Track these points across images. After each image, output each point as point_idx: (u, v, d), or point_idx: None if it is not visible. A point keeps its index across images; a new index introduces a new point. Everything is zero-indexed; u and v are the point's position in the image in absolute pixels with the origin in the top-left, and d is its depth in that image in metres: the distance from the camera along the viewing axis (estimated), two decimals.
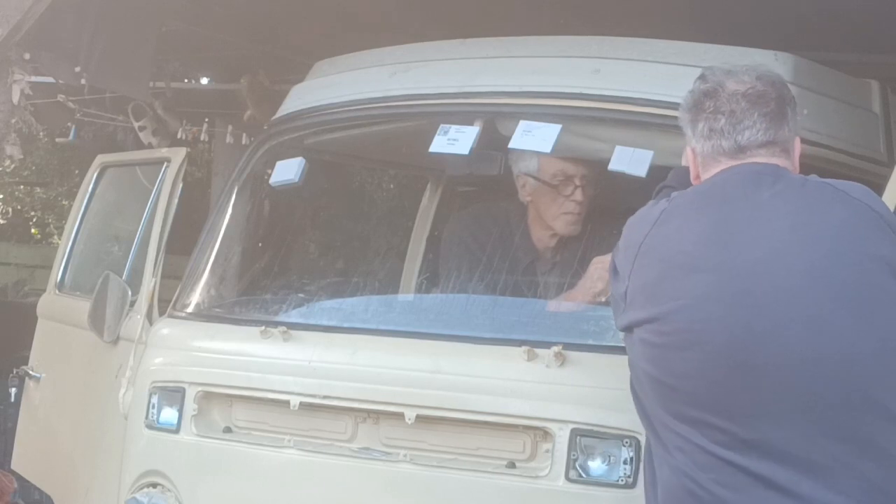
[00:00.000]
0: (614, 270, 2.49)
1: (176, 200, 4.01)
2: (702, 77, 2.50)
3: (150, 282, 3.85)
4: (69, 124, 8.14)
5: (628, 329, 2.41)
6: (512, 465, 3.06)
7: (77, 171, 11.03)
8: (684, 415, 2.27)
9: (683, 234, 2.36)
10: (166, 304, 3.83)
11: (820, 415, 2.18)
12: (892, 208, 2.66)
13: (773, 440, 2.18)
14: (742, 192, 2.35)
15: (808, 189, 2.36)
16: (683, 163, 2.75)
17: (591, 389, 3.01)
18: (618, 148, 3.29)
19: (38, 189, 13.59)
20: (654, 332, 2.32)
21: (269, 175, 3.95)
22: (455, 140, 3.48)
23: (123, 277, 4.04)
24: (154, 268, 3.89)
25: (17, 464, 4.99)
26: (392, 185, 9.58)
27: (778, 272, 2.24)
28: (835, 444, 2.17)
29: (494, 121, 3.53)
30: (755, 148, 2.41)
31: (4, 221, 14.28)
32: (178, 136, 7.47)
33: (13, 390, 6.00)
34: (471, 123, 3.51)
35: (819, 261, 2.25)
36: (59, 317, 4.73)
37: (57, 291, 4.83)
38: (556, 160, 3.60)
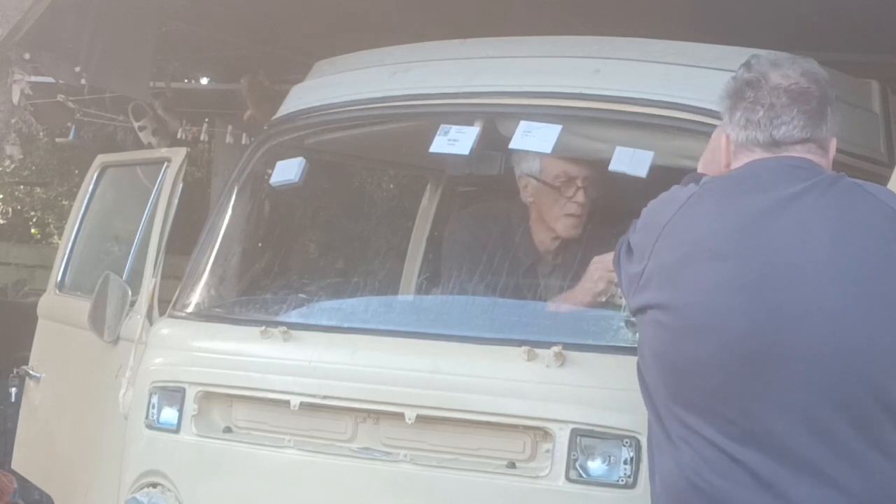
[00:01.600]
0: (629, 250, 2.48)
1: (176, 200, 4.01)
2: (746, 65, 2.49)
3: (150, 282, 3.85)
4: (69, 124, 8.14)
5: (641, 310, 2.39)
6: (512, 465, 3.06)
7: (77, 171, 11.04)
8: (693, 403, 2.27)
9: (711, 219, 2.36)
10: (166, 304, 3.83)
11: (832, 408, 2.18)
12: None
13: (778, 435, 2.18)
14: (774, 183, 2.35)
15: (839, 187, 2.37)
16: (700, 168, 2.74)
17: (591, 389, 3.01)
18: (618, 149, 3.29)
19: (38, 189, 13.60)
20: (670, 314, 2.31)
21: (269, 175, 3.95)
22: (455, 140, 3.48)
23: (123, 277, 4.03)
24: (154, 268, 3.89)
25: (17, 464, 4.98)
26: (392, 185, 9.58)
27: (802, 264, 2.24)
28: (844, 439, 2.18)
29: (495, 121, 3.53)
30: (790, 144, 2.40)
31: (4, 221, 14.28)
32: (178, 136, 7.48)
33: (13, 390, 6.01)
34: (471, 124, 3.51)
35: (844, 256, 2.25)
36: (59, 317, 4.73)
37: (57, 291, 4.83)
38: (559, 161, 3.60)
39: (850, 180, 2.39)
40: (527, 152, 3.55)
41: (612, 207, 3.66)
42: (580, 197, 3.66)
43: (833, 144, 2.48)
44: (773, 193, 2.33)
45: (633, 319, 2.65)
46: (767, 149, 2.41)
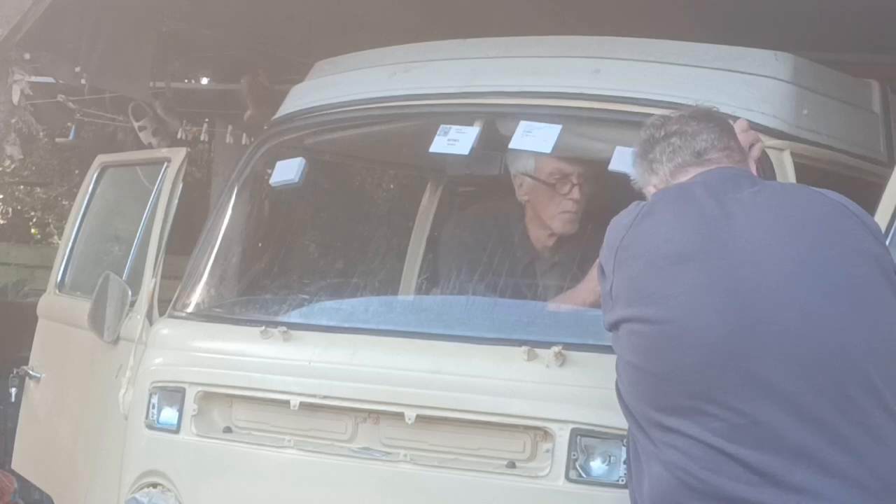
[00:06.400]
0: (601, 269, 2.55)
1: (176, 200, 4.01)
2: (643, 129, 2.65)
3: (150, 282, 3.85)
4: (69, 124, 8.14)
5: (615, 325, 2.44)
6: (512, 465, 3.06)
7: (77, 171, 11.01)
8: (677, 406, 2.29)
9: (667, 227, 2.41)
10: (166, 304, 3.83)
11: (813, 399, 2.21)
12: (892, 208, 2.68)
13: (767, 425, 2.21)
14: (723, 188, 2.43)
15: (787, 188, 2.49)
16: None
17: (591, 389, 3.01)
18: (618, 148, 3.29)
19: (38, 189, 13.58)
20: (644, 323, 2.34)
21: (269, 175, 3.95)
22: (455, 140, 3.48)
23: (123, 277, 4.04)
24: (154, 268, 3.89)
25: (17, 464, 4.99)
26: (392, 185, 9.56)
27: (767, 261, 2.29)
28: (832, 425, 2.20)
29: (494, 121, 3.54)
30: (714, 151, 2.52)
31: (4, 221, 14.26)
32: (178, 136, 7.46)
33: (13, 390, 6.01)
34: (471, 124, 3.51)
35: (806, 251, 2.31)
36: (59, 317, 4.73)
37: (57, 291, 4.83)
38: (553, 159, 3.60)
39: (795, 183, 2.46)
40: (521, 151, 3.55)
41: (609, 206, 3.66)
42: (575, 194, 3.67)
43: (752, 166, 2.61)
44: (725, 198, 2.40)
45: None
46: (697, 164, 2.51)
